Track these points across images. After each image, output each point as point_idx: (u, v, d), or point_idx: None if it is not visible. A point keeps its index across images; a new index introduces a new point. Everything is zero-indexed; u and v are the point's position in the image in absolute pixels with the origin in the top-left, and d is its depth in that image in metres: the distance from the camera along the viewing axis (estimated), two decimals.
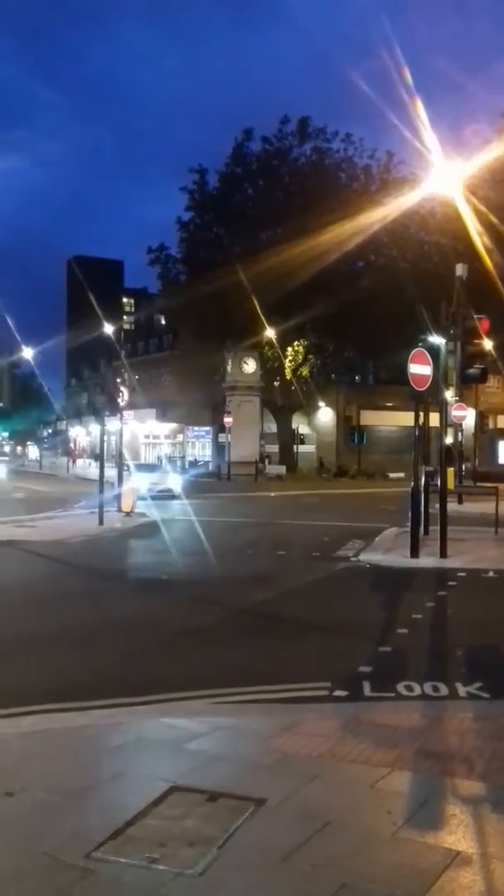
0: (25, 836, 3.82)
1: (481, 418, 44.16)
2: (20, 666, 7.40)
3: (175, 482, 30.12)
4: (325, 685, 6.62)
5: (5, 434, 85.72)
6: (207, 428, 57.64)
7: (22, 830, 3.89)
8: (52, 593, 11.32)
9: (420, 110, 20.91)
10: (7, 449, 67.57)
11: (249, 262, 37.83)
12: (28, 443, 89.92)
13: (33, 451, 54.21)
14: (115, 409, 24.20)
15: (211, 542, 15.59)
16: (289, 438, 51.65)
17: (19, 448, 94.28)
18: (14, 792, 4.32)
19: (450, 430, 26.13)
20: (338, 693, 6.47)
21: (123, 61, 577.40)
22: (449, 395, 17.52)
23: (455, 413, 26.43)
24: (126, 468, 26.88)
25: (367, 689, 6.62)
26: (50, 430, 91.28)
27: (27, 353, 48.01)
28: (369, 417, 53.06)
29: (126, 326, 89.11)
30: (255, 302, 39.07)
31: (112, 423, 27.23)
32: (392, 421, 49.69)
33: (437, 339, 15.44)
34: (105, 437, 22.82)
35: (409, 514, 14.55)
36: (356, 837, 3.80)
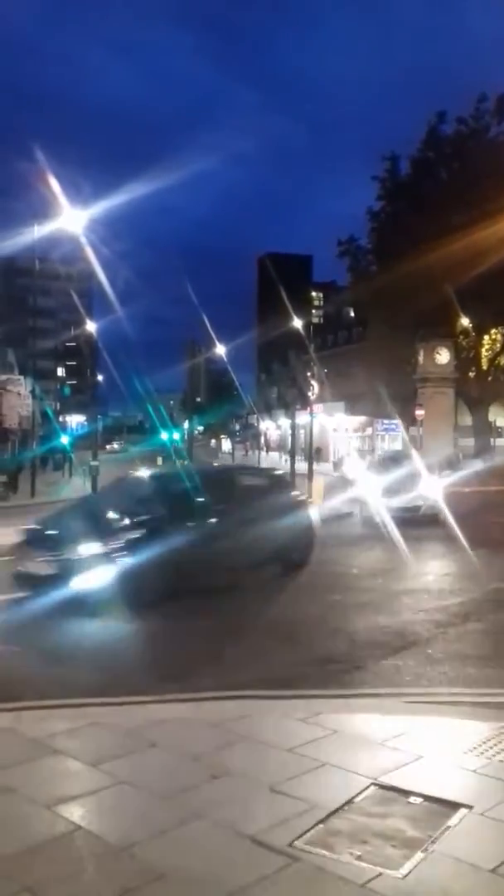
0: (231, 818, 3.94)
1: None
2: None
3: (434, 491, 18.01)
4: None
5: (201, 427, 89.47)
6: (397, 421, 56.64)
7: (228, 812, 4.01)
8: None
9: None
10: (213, 443, 68.92)
11: (442, 248, 36.60)
12: (221, 436, 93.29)
13: (226, 444, 56.28)
14: (305, 403, 24.50)
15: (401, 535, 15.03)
16: (485, 432, 49.54)
17: (213, 441, 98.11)
18: (218, 775, 4.48)
19: None
20: None
21: (313, 51, 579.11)
22: None
23: None
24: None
25: None
26: (241, 424, 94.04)
27: (220, 349, 49.99)
28: None
29: (315, 320, 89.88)
30: (449, 289, 37.75)
31: (301, 417, 27.54)
32: None
33: None
34: (294, 431, 23.16)
35: None
36: None
